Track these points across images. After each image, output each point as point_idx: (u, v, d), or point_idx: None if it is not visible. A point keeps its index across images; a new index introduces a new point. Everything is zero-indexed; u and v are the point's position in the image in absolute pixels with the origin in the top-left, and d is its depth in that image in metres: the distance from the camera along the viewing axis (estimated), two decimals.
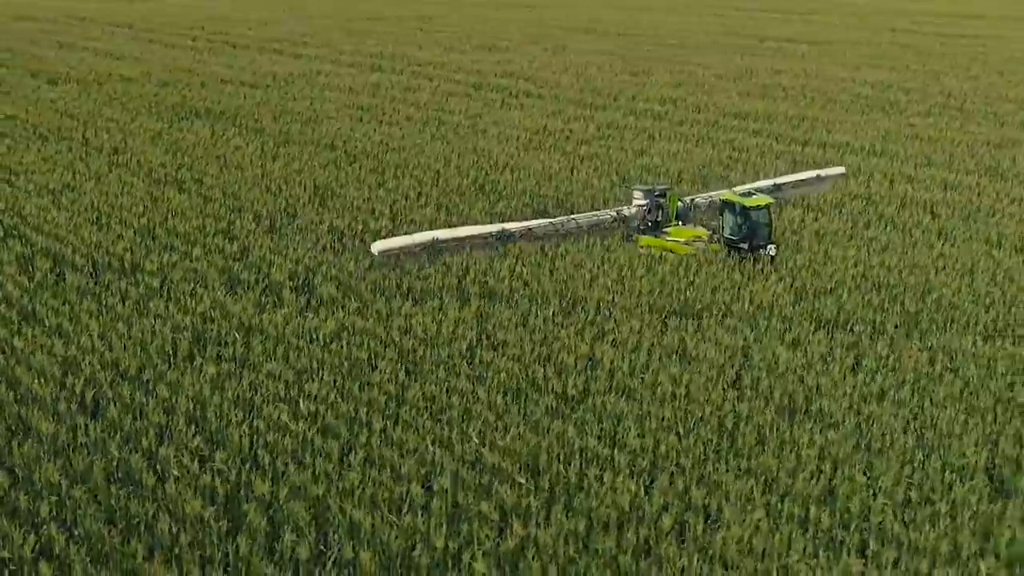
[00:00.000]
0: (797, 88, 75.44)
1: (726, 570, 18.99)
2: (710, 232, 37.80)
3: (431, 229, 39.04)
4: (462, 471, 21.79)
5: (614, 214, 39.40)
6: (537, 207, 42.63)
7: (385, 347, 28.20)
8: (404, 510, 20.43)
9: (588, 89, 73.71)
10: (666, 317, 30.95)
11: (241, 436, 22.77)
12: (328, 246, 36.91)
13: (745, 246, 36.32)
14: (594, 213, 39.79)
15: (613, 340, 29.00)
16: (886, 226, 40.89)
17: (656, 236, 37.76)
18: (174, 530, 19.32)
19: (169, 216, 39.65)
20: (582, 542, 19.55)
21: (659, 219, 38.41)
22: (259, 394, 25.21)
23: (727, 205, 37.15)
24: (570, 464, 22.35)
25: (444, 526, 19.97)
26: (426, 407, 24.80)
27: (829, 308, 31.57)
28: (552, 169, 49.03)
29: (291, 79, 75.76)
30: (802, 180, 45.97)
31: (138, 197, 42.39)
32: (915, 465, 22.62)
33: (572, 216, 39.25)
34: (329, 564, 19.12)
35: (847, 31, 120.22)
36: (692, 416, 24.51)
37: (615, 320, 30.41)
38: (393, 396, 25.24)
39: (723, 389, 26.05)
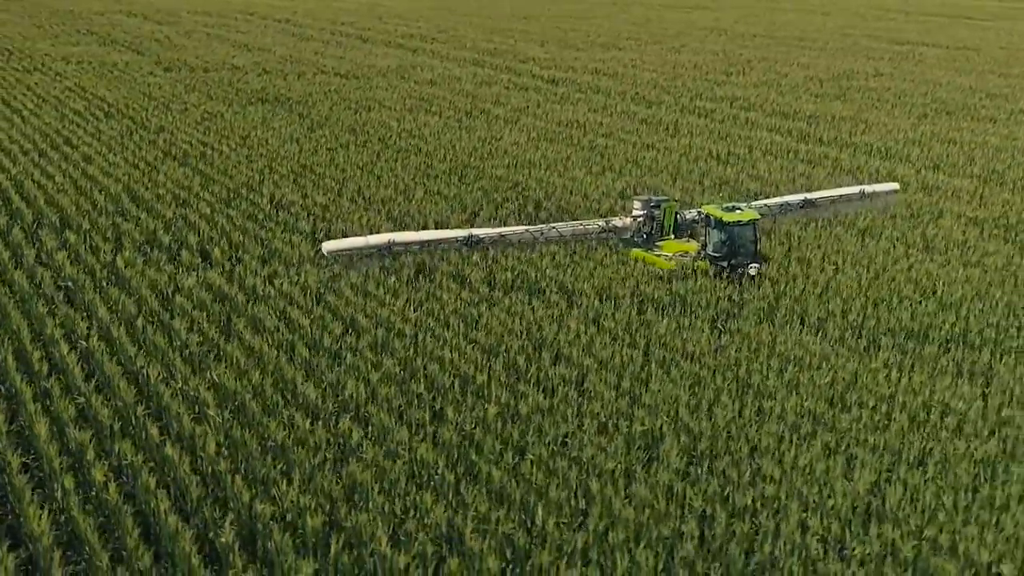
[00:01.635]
0: (878, 90, 74.19)
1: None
2: (701, 247, 35.89)
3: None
4: (173, 403, 24.56)
5: (603, 224, 37.47)
6: (495, 190, 44.64)
7: (215, 302, 31.17)
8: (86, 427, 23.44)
9: (660, 87, 74.67)
10: (496, 291, 32.70)
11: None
12: (263, 217, 40.06)
13: (725, 264, 34.66)
14: (580, 222, 37.96)
15: (425, 308, 31.04)
16: (818, 223, 40.97)
17: (648, 249, 36.34)
18: None
19: (145, 185, 43.85)
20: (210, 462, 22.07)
21: (652, 231, 36.90)
22: (62, 330, 28.62)
23: (708, 220, 35.54)
24: (274, 407, 24.78)
25: (113, 442, 22.84)
26: (199, 352, 27.65)
27: (662, 292, 32.63)
28: (543, 158, 50.88)
29: (386, 71, 79.73)
30: (841, 196, 41.92)
31: (137, 168, 46.87)
32: (585, 429, 23.94)
33: (552, 224, 37.65)
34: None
35: (1003, 37, 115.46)
36: (423, 373, 26.42)
37: (447, 291, 32.37)
38: (178, 339, 28.16)
39: (480, 353, 27.78)
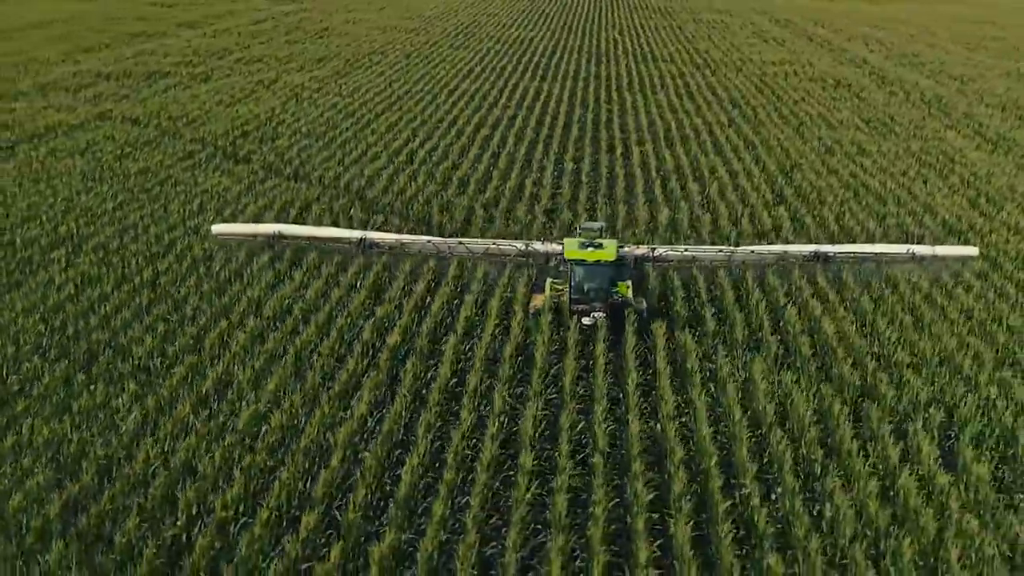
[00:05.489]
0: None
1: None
2: None
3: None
4: None
5: (521, 246, 32.38)
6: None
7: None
8: None
9: (921, 90, 71.07)
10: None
11: None
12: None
13: (569, 307, 29.80)
14: (494, 241, 33.42)
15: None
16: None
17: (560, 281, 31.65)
18: None
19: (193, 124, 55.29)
20: None
21: None
22: None
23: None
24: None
25: None
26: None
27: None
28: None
29: (722, 62, 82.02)
30: (878, 255, 32.44)
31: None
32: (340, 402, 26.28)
33: (461, 240, 33.67)
34: None
35: None
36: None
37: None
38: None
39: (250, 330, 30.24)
